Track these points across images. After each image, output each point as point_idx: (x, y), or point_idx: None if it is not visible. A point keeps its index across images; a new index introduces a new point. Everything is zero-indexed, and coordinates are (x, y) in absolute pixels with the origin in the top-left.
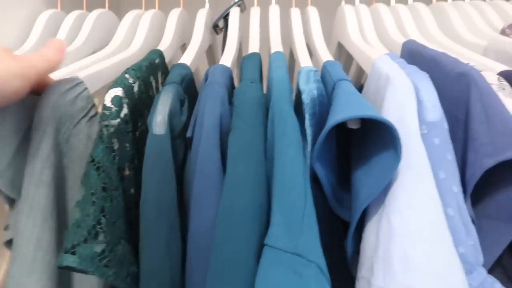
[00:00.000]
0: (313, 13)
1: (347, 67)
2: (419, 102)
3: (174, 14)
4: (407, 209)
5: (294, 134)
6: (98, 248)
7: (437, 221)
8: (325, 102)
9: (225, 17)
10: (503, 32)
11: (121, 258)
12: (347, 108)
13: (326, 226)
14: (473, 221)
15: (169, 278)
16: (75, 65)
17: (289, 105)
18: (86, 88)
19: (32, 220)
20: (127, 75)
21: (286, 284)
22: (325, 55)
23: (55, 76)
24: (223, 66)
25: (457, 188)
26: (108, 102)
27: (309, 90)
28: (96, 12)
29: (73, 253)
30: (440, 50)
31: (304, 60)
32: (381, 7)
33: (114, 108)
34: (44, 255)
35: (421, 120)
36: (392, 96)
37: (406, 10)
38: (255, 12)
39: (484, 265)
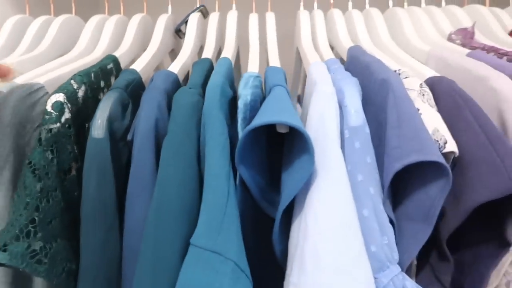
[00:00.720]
0: (269, 18)
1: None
2: (344, 107)
3: (135, 20)
4: (320, 210)
5: (220, 138)
6: (31, 246)
7: (348, 221)
8: (257, 107)
9: (187, 22)
10: (449, 38)
11: (55, 256)
12: (267, 114)
13: (259, 225)
14: (392, 222)
15: (104, 275)
16: (39, 70)
17: (218, 109)
18: (46, 93)
19: None
20: (72, 81)
21: (204, 279)
22: (273, 60)
23: (17, 80)
24: (167, 72)
25: (374, 190)
26: (48, 107)
27: (244, 95)
28: (62, 17)
29: (4, 251)
30: (384, 55)
31: (251, 66)
32: (336, 13)
33: (54, 113)
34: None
35: (345, 125)
36: (315, 102)
37: (360, 16)
38: (213, 18)
39: (402, 264)
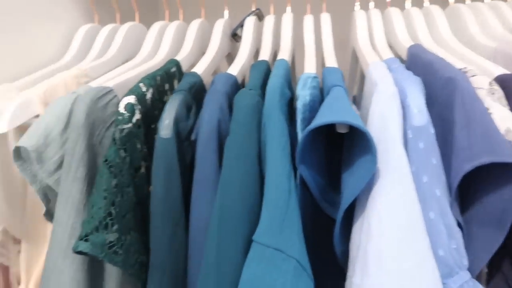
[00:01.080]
0: (324, 19)
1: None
2: (407, 107)
3: (194, 25)
4: (384, 211)
5: (281, 138)
6: (108, 237)
7: (413, 223)
8: (316, 108)
9: (243, 26)
10: None
11: (129, 247)
12: (327, 114)
13: (319, 225)
14: (460, 226)
15: (172, 268)
16: (109, 75)
17: (279, 110)
18: (115, 96)
19: (68, 211)
20: (141, 84)
21: (267, 276)
22: (330, 61)
23: (92, 84)
24: (227, 75)
25: (440, 192)
26: (121, 109)
27: (303, 96)
28: (126, 25)
29: (86, 240)
30: (447, 53)
31: (308, 67)
32: (393, 11)
33: (126, 114)
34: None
35: (408, 125)
36: (376, 103)
37: (419, 14)
38: (268, 21)
39: (472, 270)
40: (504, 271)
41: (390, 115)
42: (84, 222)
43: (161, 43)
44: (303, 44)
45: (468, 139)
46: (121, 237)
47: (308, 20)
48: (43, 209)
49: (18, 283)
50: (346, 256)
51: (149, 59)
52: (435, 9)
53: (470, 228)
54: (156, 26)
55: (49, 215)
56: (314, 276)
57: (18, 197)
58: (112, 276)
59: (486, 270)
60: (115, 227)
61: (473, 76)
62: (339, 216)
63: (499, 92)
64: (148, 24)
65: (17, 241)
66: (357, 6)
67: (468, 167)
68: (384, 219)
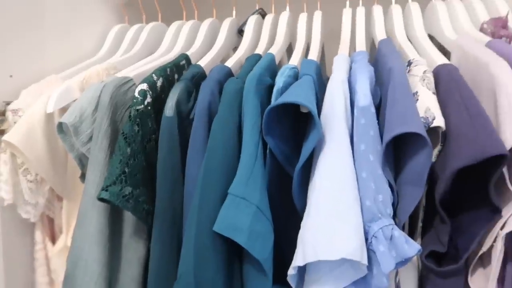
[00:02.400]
0: (316, 17)
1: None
2: (355, 92)
3: (205, 24)
4: (324, 170)
5: (253, 116)
6: (122, 189)
7: (344, 179)
8: None
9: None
10: (481, 27)
11: (137, 198)
12: (286, 95)
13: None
14: (391, 185)
15: (171, 215)
16: (131, 68)
17: (253, 94)
18: (134, 84)
19: (95, 173)
20: (153, 74)
21: (234, 217)
22: (312, 55)
23: (118, 75)
24: (222, 66)
25: (373, 157)
26: (136, 93)
27: (278, 83)
28: (150, 25)
29: (106, 191)
30: (411, 47)
31: (293, 59)
32: (376, 9)
33: (139, 98)
34: None
35: (355, 105)
36: (329, 87)
37: (399, 11)
38: (268, 19)
39: (401, 220)
40: (435, 226)
41: (337, 97)
42: (105, 177)
43: (177, 40)
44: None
45: (391, 116)
46: (132, 190)
47: (302, 18)
48: (78, 173)
49: (60, 232)
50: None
51: (167, 53)
52: (414, 7)
53: (400, 187)
54: (174, 25)
55: (84, 177)
56: (281, 225)
57: (61, 163)
58: (128, 223)
59: (420, 224)
60: (128, 182)
61: (415, 66)
62: (295, 175)
63: (429, 78)
64: (169, 23)
65: (60, 199)
66: (347, 6)
67: (388, 137)
68: (323, 176)
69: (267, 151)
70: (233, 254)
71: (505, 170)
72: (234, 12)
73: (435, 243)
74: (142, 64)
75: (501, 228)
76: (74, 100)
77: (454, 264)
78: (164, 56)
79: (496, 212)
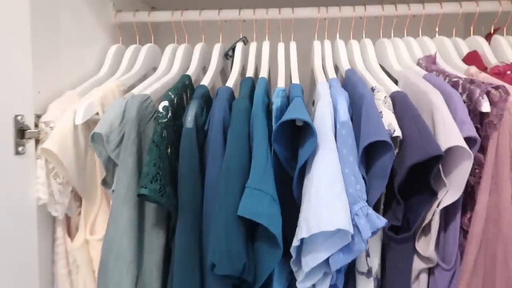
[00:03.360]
0: (292, 46)
1: None
2: (337, 110)
3: (198, 48)
4: (320, 168)
5: (262, 128)
6: (157, 187)
7: (334, 175)
8: (284, 110)
9: (233, 49)
10: (418, 62)
11: (169, 194)
12: (290, 113)
13: (286, 181)
14: (364, 178)
15: (192, 209)
16: (142, 85)
17: (261, 112)
18: (152, 100)
19: (124, 174)
20: (170, 93)
21: (254, 204)
22: (295, 79)
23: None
24: (227, 88)
25: (352, 158)
26: (160, 109)
27: (276, 102)
28: (146, 46)
29: (146, 188)
30: (370, 75)
31: (280, 82)
32: (340, 43)
33: (163, 113)
34: (131, 194)
35: (337, 120)
36: (319, 107)
37: (357, 45)
38: (252, 47)
39: (370, 202)
40: (393, 207)
41: (326, 114)
42: (142, 177)
43: (174, 61)
44: (277, 62)
45: (366, 128)
46: (164, 188)
47: (280, 47)
48: (100, 178)
49: (76, 229)
50: (300, 199)
51: (167, 72)
52: (368, 43)
53: (370, 180)
54: (169, 47)
55: (105, 182)
56: (283, 208)
57: (82, 168)
58: (149, 219)
59: (382, 207)
60: (161, 181)
61: (378, 92)
62: (296, 172)
63: (389, 102)
64: (160, 44)
65: (77, 200)
66: (315, 38)
67: (364, 143)
68: (320, 172)
69: (272, 154)
70: (249, 233)
71: (440, 166)
72: (220, 38)
73: (393, 219)
74: (151, 82)
75: (437, 206)
76: (97, 113)
77: (406, 233)
78: (165, 75)
79: (434, 195)
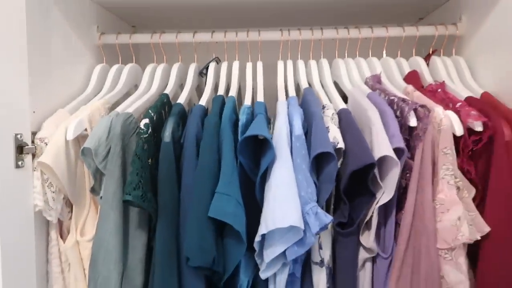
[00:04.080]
0: (259, 66)
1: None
2: (293, 126)
3: (175, 67)
4: (277, 175)
5: (229, 141)
6: (140, 193)
7: (289, 181)
8: (248, 125)
9: (207, 68)
10: (365, 81)
11: (150, 199)
12: (251, 130)
13: (250, 187)
14: (315, 183)
15: (170, 211)
16: (125, 104)
17: (228, 127)
18: (134, 118)
19: (112, 183)
20: (150, 111)
21: (221, 206)
22: (259, 98)
23: (118, 109)
24: (201, 106)
25: (305, 166)
26: (142, 126)
27: (242, 119)
28: (128, 66)
29: (130, 194)
30: (324, 93)
31: (247, 100)
32: (300, 63)
33: (144, 129)
34: (117, 200)
35: (293, 135)
36: (278, 122)
37: (315, 65)
38: (224, 66)
39: (321, 203)
40: (341, 207)
41: (283, 130)
42: (126, 185)
43: (153, 80)
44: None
45: (315, 141)
46: (146, 194)
47: (248, 66)
48: (84, 186)
49: (67, 231)
50: (262, 200)
51: (147, 90)
52: (325, 63)
53: (320, 185)
54: (149, 67)
55: (93, 190)
56: (248, 209)
57: (73, 178)
58: (133, 221)
59: (332, 206)
60: (143, 189)
61: (327, 109)
62: (257, 180)
63: (336, 118)
64: (141, 62)
65: (68, 206)
66: (280, 61)
67: (313, 154)
68: (277, 179)
69: (238, 164)
70: (218, 232)
71: (376, 171)
72: (195, 58)
73: (341, 217)
74: (133, 101)
75: (376, 204)
76: (85, 129)
77: (350, 228)
78: (146, 93)
79: (373, 196)
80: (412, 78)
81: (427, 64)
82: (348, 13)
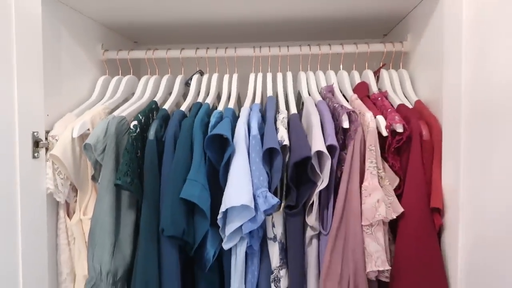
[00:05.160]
0: (234, 78)
1: None
2: (250, 127)
3: (164, 78)
4: (234, 165)
5: (199, 139)
6: (128, 179)
7: (244, 170)
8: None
9: (191, 79)
10: (320, 91)
11: (136, 184)
12: (215, 130)
13: (216, 175)
14: (268, 173)
15: (153, 198)
16: (120, 109)
17: (199, 129)
18: (126, 120)
19: (107, 171)
20: (139, 115)
21: (191, 190)
22: (230, 104)
23: (115, 113)
24: (180, 111)
25: (258, 159)
26: (131, 127)
27: (212, 121)
28: (126, 77)
29: (119, 180)
30: (283, 101)
31: (220, 107)
32: (269, 75)
33: (133, 129)
34: (111, 185)
35: (250, 134)
36: (238, 124)
37: (281, 76)
38: (205, 78)
39: (271, 188)
40: (291, 194)
41: (241, 130)
42: (118, 173)
43: (146, 89)
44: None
45: (265, 139)
46: (133, 180)
47: (225, 78)
48: (88, 175)
49: (73, 211)
50: (225, 186)
51: (140, 98)
52: (289, 75)
53: (272, 174)
54: (143, 79)
55: (93, 178)
56: (215, 193)
57: (78, 168)
58: (124, 203)
59: (284, 193)
60: (131, 175)
61: (280, 114)
62: (221, 169)
63: (285, 122)
64: (138, 75)
65: (74, 190)
66: (252, 74)
67: (263, 149)
68: (234, 168)
69: (206, 157)
70: (189, 211)
71: (316, 163)
72: (182, 70)
73: (290, 201)
74: (128, 106)
75: (317, 190)
76: (88, 129)
77: (296, 209)
78: (139, 100)
79: (314, 184)
80: (361, 88)
81: (377, 76)
82: (321, 29)
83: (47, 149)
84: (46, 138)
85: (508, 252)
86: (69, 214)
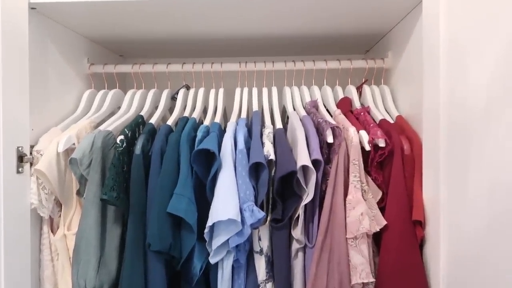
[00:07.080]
0: (220, 92)
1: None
2: (237, 141)
3: (151, 93)
4: (220, 179)
5: (186, 153)
6: (114, 194)
7: (230, 184)
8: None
9: (177, 93)
10: (305, 106)
11: (122, 199)
12: (202, 144)
13: (202, 190)
14: (254, 187)
15: (139, 210)
16: (107, 123)
17: (186, 143)
18: (113, 134)
19: (93, 185)
20: (125, 129)
21: (178, 203)
22: (217, 119)
23: (101, 128)
24: (166, 125)
25: (245, 173)
26: (118, 141)
27: (198, 136)
28: (112, 91)
29: (105, 195)
30: (268, 115)
31: (206, 121)
32: (254, 89)
33: (119, 144)
34: (97, 200)
35: (237, 148)
36: (225, 138)
37: (266, 91)
38: (191, 92)
39: (257, 202)
40: (277, 207)
41: (228, 145)
42: (104, 187)
43: (132, 103)
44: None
45: (251, 154)
46: (119, 195)
47: (212, 93)
48: (72, 190)
49: (57, 226)
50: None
51: (127, 112)
52: (274, 90)
53: (258, 188)
54: (129, 92)
55: (78, 193)
56: (201, 207)
57: (62, 183)
58: (110, 217)
59: (270, 207)
60: (117, 190)
61: (265, 129)
62: (208, 183)
63: (270, 136)
64: (124, 89)
65: (58, 205)
66: (238, 88)
67: (250, 163)
68: (221, 182)
69: (193, 172)
70: (176, 225)
71: (301, 177)
72: (169, 84)
73: (276, 214)
74: (114, 120)
75: (302, 204)
76: (74, 144)
77: (282, 223)
78: (126, 113)
79: (300, 197)
80: (344, 103)
81: (360, 92)
82: (306, 46)
83: (31, 164)
84: (31, 153)
85: (489, 265)
86: (52, 230)
